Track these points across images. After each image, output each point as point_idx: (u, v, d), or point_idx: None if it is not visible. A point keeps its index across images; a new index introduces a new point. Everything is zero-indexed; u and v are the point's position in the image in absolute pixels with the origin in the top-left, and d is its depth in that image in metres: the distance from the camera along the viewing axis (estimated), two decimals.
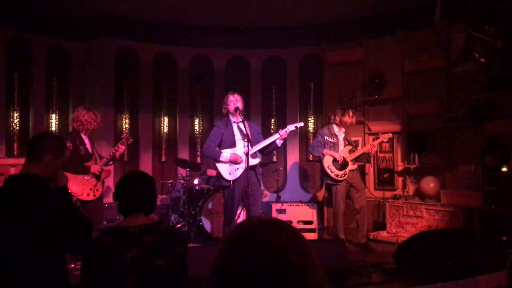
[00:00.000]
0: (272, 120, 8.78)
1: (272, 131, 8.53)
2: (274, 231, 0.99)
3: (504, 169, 5.89)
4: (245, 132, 4.95)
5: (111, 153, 5.25)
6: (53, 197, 2.26)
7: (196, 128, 8.75)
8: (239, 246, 0.97)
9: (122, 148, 5.31)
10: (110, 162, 5.36)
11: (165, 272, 2.20)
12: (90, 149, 5.16)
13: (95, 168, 5.03)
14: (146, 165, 8.15)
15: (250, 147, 4.81)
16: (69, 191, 4.74)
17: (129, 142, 5.61)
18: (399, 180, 7.43)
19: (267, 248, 0.95)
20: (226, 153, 5.11)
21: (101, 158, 5.25)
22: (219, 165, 5.14)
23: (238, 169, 5.08)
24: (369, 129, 7.68)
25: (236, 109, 5.10)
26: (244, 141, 4.95)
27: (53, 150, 2.36)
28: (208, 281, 0.98)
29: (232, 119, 5.22)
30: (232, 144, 5.17)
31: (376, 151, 7.43)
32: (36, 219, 2.11)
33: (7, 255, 2.05)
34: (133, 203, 2.41)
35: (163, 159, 8.47)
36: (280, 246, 0.96)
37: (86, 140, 5.16)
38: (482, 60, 4.60)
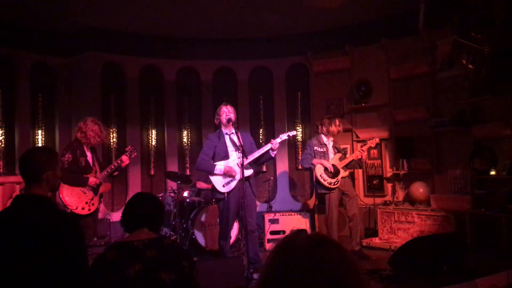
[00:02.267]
0: (261, 130, 8.79)
1: (260, 141, 8.55)
2: (325, 249, 0.98)
3: (493, 172, 5.98)
4: (237, 144, 4.95)
5: (113, 167, 5.17)
6: (65, 221, 2.21)
7: (185, 140, 8.71)
8: (292, 266, 0.96)
9: (126, 160, 5.23)
10: (115, 173, 5.27)
11: (169, 286, 2.18)
12: (90, 162, 5.06)
13: (93, 181, 4.92)
14: (135, 179, 8.07)
15: (244, 158, 4.81)
16: (65, 203, 4.70)
17: (132, 156, 5.50)
18: (389, 186, 7.48)
19: (322, 268, 0.95)
20: (220, 166, 5.10)
21: (101, 172, 5.16)
22: (213, 178, 5.13)
23: (232, 181, 5.07)
24: (357, 137, 7.74)
25: (229, 120, 5.10)
26: (238, 153, 4.95)
27: (49, 165, 2.30)
28: None
29: (224, 130, 5.22)
30: (225, 156, 5.16)
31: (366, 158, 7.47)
32: (43, 241, 2.06)
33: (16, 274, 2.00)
34: (136, 219, 2.41)
35: (152, 172, 8.40)
36: (332, 264, 0.95)
37: (88, 152, 5.05)
38: (470, 66, 4.68)
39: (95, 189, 4.97)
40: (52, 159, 2.35)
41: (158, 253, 2.26)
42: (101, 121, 7.69)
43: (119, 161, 5.21)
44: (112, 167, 5.16)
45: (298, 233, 1.06)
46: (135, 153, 5.56)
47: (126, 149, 5.49)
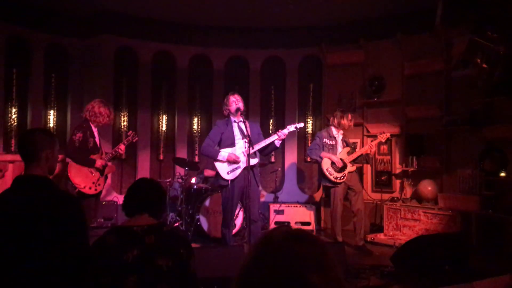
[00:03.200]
0: (271, 120, 8.78)
1: (270, 132, 8.54)
2: (298, 244, 0.98)
3: (502, 174, 5.90)
4: (245, 132, 4.94)
5: (114, 152, 5.27)
6: (65, 201, 2.22)
7: (195, 127, 8.73)
8: (264, 260, 0.96)
9: (123, 149, 5.36)
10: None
11: (165, 273, 2.19)
12: (98, 143, 5.15)
13: (100, 162, 5.02)
14: (144, 163, 8.14)
15: (250, 147, 4.80)
16: (73, 181, 4.78)
17: (134, 140, 5.61)
18: (397, 183, 7.44)
19: (286, 262, 0.94)
20: (224, 152, 5.10)
21: (107, 153, 5.26)
22: (217, 165, 5.13)
23: (237, 169, 5.07)
24: (368, 131, 7.69)
25: (238, 109, 5.10)
26: (244, 141, 4.95)
27: (47, 144, 2.29)
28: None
29: (233, 119, 5.22)
30: (232, 144, 5.16)
31: (374, 153, 7.44)
32: (44, 222, 2.07)
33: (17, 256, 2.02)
34: (136, 204, 2.42)
35: (161, 157, 8.45)
36: (299, 260, 0.95)
37: (96, 133, 5.16)
38: (484, 66, 4.61)
39: (101, 170, 5.06)
40: (49, 138, 2.34)
41: (156, 240, 2.26)
42: (112, 104, 7.86)
43: (117, 149, 5.35)
44: (113, 152, 5.26)
45: (278, 228, 1.06)
46: (136, 138, 5.66)
47: (128, 134, 5.60)
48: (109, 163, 5.22)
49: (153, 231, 2.29)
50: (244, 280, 0.96)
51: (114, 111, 7.87)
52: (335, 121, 6.20)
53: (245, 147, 4.83)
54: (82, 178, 4.87)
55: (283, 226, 1.06)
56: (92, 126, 5.10)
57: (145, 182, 2.55)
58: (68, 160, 5.03)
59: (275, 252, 0.96)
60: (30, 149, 2.27)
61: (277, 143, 5.16)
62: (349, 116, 6.18)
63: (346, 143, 6.25)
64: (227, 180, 5.05)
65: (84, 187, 4.87)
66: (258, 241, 1.01)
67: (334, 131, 6.21)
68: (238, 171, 5.05)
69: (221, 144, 5.20)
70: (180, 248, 2.32)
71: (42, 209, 2.08)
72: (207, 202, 6.58)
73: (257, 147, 5.09)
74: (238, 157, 5.04)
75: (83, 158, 4.91)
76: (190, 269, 2.33)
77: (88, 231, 2.29)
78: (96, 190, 4.99)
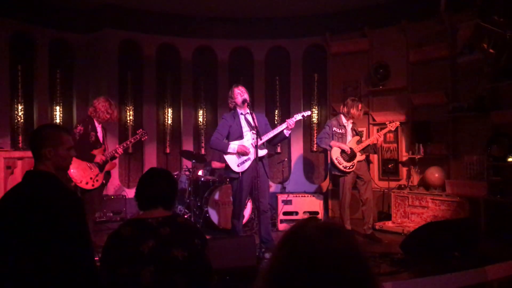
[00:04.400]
0: (276, 111, 8.78)
1: (276, 122, 8.54)
2: (332, 239, 0.98)
3: (510, 159, 5.89)
4: (252, 124, 4.96)
5: (125, 145, 5.37)
6: (65, 196, 2.25)
7: (200, 119, 8.75)
8: (297, 256, 0.97)
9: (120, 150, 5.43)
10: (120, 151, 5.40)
11: (181, 264, 2.22)
12: (101, 138, 5.20)
13: (99, 158, 5.07)
14: (150, 157, 8.16)
15: (258, 139, 4.82)
16: (70, 175, 4.82)
17: (143, 139, 5.66)
18: (404, 170, 7.45)
19: (322, 258, 0.94)
20: (234, 145, 5.12)
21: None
22: (227, 157, 5.15)
23: (246, 161, 5.09)
24: (374, 120, 7.69)
25: (244, 101, 5.11)
26: (252, 133, 4.96)
27: (49, 141, 2.29)
28: (263, 284, 0.98)
29: (240, 111, 5.23)
30: (240, 136, 5.18)
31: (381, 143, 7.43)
32: (42, 215, 2.11)
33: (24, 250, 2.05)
34: (150, 198, 2.44)
35: (168, 150, 8.48)
36: (335, 256, 0.95)
37: (99, 128, 5.21)
38: (491, 51, 4.58)
39: (101, 166, 5.11)
40: (52, 136, 2.33)
41: (171, 231, 2.30)
42: (118, 98, 7.88)
43: (132, 139, 5.49)
44: (124, 145, 5.40)
45: (307, 221, 1.05)
46: (146, 137, 5.69)
47: (138, 132, 5.64)
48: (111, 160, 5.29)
49: (167, 223, 2.32)
50: (276, 275, 0.96)
51: (119, 105, 7.96)
52: (345, 109, 6.13)
53: (253, 139, 4.84)
54: (79, 173, 4.92)
55: (310, 218, 1.04)
56: (95, 121, 5.16)
57: (157, 175, 2.54)
58: None
59: (308, 248, 0.96)
60: (32, 147, 2.31)
61: (287, 133, 5.18)
62: (359, 105, 6.13)
63: (355, 132, 6.21)
64: (238, 173, 5.07)
65: (81, 182, 4.92)
66: (288, 236, 1.01)
67: (343, 119, 6.16)
68: (248, 163, 5.07)
69: (229, 137, 5.21)
70: (194, 239, 2.35)
71: (42, 203, 2.12)
72: (216, 195, 6.61)
73: (265, 138, 5.10)
74: (247, 148, 5.05)
75: (82, 152, 4.94)
76: (205, 259, 2.36)
77: (87, 226, 2.30)
78: (93, 185, 5.03)
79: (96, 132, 5.14)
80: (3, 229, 2.08)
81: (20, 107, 7.43)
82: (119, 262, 2.19)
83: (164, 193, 2.45)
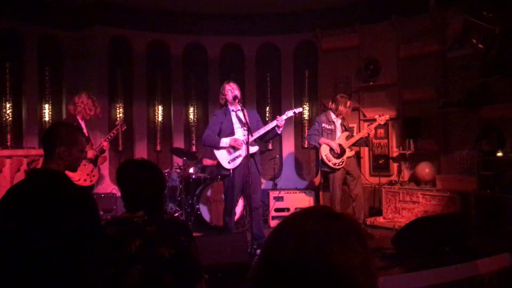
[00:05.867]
0: (267, 107, 8.77)
1: (267, 119, 8.53)
2: (335, 221, 0.96)
3: (500, 154, 5.94)
4: (243, 121, 4.94)
5: (108, 138, 5.37)
6: (78, 194, 2.23)
7: (191, 116, 8.71)
8: (278, 235, 0.96)
9: (107, 146, 5.45)
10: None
11: (168, 261, 2.20)
12: (86, 134, 5.18)
13: (91, 153, 5.08)
14: (141, 154, 8.11)
15: (250, 135, 4.81)
16: (67, 174, 4.79)
17: (122, 129, 5.66)
18: (394, 166, 7.47)
19: (303, 237, 0.92)
20: (226, 139, 5.12)
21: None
22: (218, 154, 5.13)
23: (237, 157, 5.08)
24: (364, 116, 7.70)
25: (235, 97, 5.09)
26: (243, 129, 4.94)
27: (64, 141, 2.27)
28: (255, 271, 0.97)
29: (231, 107, 5.21)
30: (231, 133, 5.17)
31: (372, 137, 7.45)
32: (55, 214, 2.09)
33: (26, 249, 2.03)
34: (137, 205, 2.37)
35: (158, 148, 8.44)
36: (315, 235, 0.92)
37: (83, 125, 5.19)
38: (480, 46, 4.61)
39: (93, 161, 5.10)
40: (68, 135, 2.31)
41: (157, 229, 2.27)
42: (107, 95, 7.83)
43: (112, 134, 5.50)
44: (108, 138, 5.43)
45: (304, 211, 1.02)
46: (125, 127, 5.71)
47: (116, 123, 5.65)
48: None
49: (154, 221, 2.30)
50: (265, 263, 0.95)
51: (109, 103, 7.92)
52: (333, 105, 6.17)
53: (245, 135, 4.83)
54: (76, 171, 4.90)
55: (307, 208, 1.02)
56: (79, 118, 5.16)
57: (142, 177, 2.39)
58: None
59: (291, 227, 0.95)
60: (45, 144, 2.29)
61: (278, 130, 5.17)
62: (348, 103, 6.15)
63: (345, 128, 6.24)
64: (229, 169, 5.06)
65: (79, 179, 4.90)
66: (280, 222, 1.00)
67: (332, 115, 6.19)
68: (239, 160, 5.05)
69: (221, 134, 5.20)
70: (180, 236, 2.32)
71: (49, 201, 2.10)
72: (208, 192, 6.59)
73: (256, 134, 5.09)
74: (240, 141, 5.03)
75: None
76: (192, 256, 2.33)
77: (100, 222, 2.29)
78: (91, 181, 5.05)
79: (81, 129, 5.13)
80: (11, 224, 2.06)
81: (8, 105, 7.35)
82: (106, 262, 2.16)
83: (150, 199, 2.37)
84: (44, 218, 2.05)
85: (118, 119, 7.96)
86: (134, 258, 2.16)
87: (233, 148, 5.10)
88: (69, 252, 2.06)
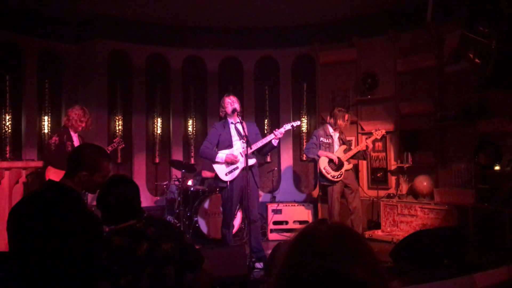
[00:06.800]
0: (266, 120, 8.80)
1: (265, 132, 8.56)
2: (335, 240, 0.99)
3: (497, 167, 5.97)
4: (242, 133, 4.97)
5: None
6: (83, 213, 2.26)
7: (190, 129, 8.74)
8: (300, 252, 0.99)
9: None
10: None
11: (171, 255, 2.36)
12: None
13: None
14: (139, 166, 8.13)
15: (248, 148, 4.83)
16: None
17: (120, 147, 5.64)
18: (393, 179, 7.49)
19: (325, 258, 0.96)
20: (222, 154, 5.13)
21: None
22: (215, 166, 5.15)
23: (235, 169, 5.10)
24: (362, 129, 7.74)
25: (234, 110, 5.12)
26: (242, 142, 4.97)
27: (88, 166, 2.28)
28: (274, 283, 0.99)
29: (230, 120, 5.24)
30: (229, 145, 5.19)
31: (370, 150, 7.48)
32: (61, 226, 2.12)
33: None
34: (132, 213, 2.45)
35: (157, 160, 8.44)
36: (339, 257, 0.96)
37: (75, 138, 5.21)
38: (477, 60, 4.66)
39: None
40: (93, 161, 2.30)
41: (156, 228, 2.42)
42: (107, 108, 7.85)
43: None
44: None
45: (317, 223, 1.07)
46: (123, 145, 5.69)
47: (114, 140, 5.62)
48: None
49: (151, 223, 2.44)
50: (284, 277, 0.98)
51: (108, 115, 7.94)
52: (332, 120, 6.23)
53: (243, 148, 4.85)
54: None
55: (321, 220, 1.06)
56: (71, 131, 5.16)
57: (125, 188, 2.49)
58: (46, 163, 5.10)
59: (320, 249, 0.98)
60: (69, 164, 2.31)
61: (275, 142, 5.19)
62: (346, 116, 6.22)
63: (342, 141, 6.28)
64: (226, 182, 5.08)
65: None
66: (299, 238, 1.03)
67: (330, 129, 6.24)
68: (237, 172, 5.07)
69: (219, 146, 5.23)
70: (174, 229, 2.58)
71: (57, 216, 2.13)
72: (206, 204, 6.60)
73: (255, 147, 5.12)
74: (236, 157, 5.06)
75: (59, 162, 4.91)
76: (188, 243, 2.59)
77: (101, 253, 2.31)
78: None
79: (72, 141, 5.14)
80: (22, 233, 2.09)
81: (8, 117, 7.37)
82: (121, 273, 2.22)
83: (133, 205, 2.47)
84: (50, 232, 2.08)
85: (117, 136, 7.96)
86: (144, 261, 2.28)
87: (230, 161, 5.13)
88: (75, 266, 2.10)
